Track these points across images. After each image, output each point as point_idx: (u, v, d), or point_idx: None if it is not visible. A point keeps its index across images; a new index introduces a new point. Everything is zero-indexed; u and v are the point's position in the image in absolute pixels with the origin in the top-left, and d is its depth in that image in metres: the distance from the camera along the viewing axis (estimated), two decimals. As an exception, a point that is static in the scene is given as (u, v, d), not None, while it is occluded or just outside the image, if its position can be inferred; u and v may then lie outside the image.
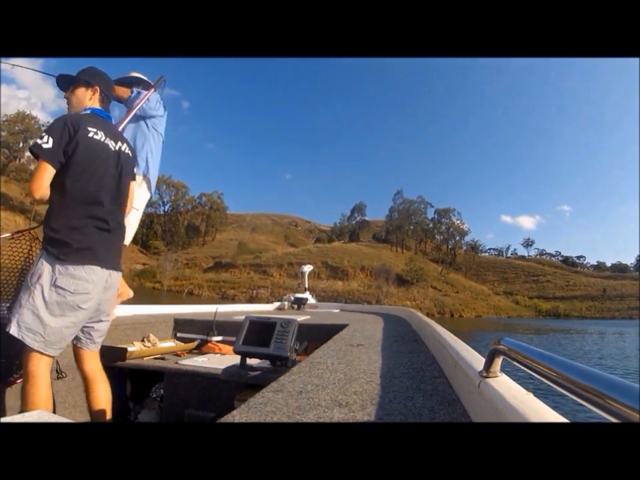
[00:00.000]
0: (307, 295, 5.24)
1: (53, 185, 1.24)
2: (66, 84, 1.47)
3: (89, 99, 1.45)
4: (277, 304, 5.06)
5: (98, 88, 1.47)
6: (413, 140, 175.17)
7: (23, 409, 1.13)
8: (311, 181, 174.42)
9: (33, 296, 1.16)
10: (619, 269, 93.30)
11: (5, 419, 0.84)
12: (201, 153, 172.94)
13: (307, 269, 6.34)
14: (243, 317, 1.47)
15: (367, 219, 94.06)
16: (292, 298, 4.87)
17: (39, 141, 1.21)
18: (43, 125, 48.38)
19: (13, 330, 1.14)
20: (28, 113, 50.85)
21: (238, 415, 0.61)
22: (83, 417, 1.66)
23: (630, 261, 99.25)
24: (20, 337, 1.14)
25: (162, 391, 1.82)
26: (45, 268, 1.18)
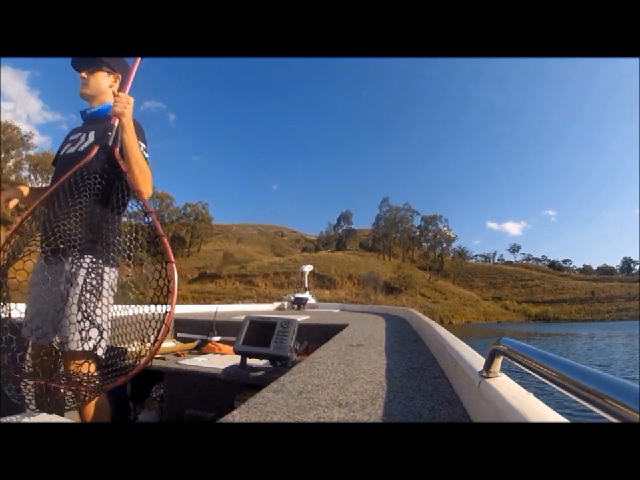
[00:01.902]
0: (307, 294, 5.24)
1: None
2: (83, 63, 1.28)
3: (109, 86, 1.30)
4: (277, 304, 5.06)
5: (120, 77, 1.32)
6: (398, 147, 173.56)
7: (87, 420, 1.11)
8: (298, 191, 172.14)
9: (104, 311, 1.11)
10: (605, 271, 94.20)
11: (5, 419, 0.84)
12: (187, 165, 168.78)
13: (307, 268, 6.34)
14: (242, 317, 1.47)
15: (353, 227, 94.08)
16: (292, 298, 4.87)
17: (141, 149, 1.21)
18: (26, 136, 46.72)
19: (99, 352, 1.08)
20: (10, 123, 49.14)
21: (238, 415, 0.61)
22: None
23: (615, 263, 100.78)
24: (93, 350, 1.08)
25: (162, 390, 1.82)
26: (108, 278, 1.14)
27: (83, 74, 1.28)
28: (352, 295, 53.62)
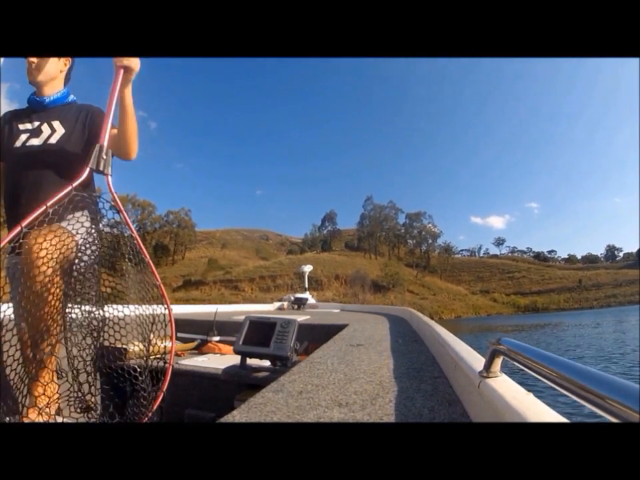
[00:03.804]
0: (307, 294, 5.24)
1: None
2: None
3: (60, 71, 1.26)
4: (277, 304, 5.06)
5: (70, 60, 1.28)
6: (381, 145, 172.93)
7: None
8: (282, 194, 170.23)
9: None
10: (590, 260, 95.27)
11: (4, 419, 0.84)
12: (169, 173, 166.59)
13: (307, 268, 6.35)
14: (242, 317, 1.47)
15: (338, 227, 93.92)
16: (292, 298, 4.88)
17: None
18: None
19: None
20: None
21: (238, 415, 0.61)
22: (83, 417, 1.66)
23: (599, 251, 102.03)
24: None
25: None
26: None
27: (32, 57, 1.20)
28: (340, 295, 52.89)
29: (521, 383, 0.52)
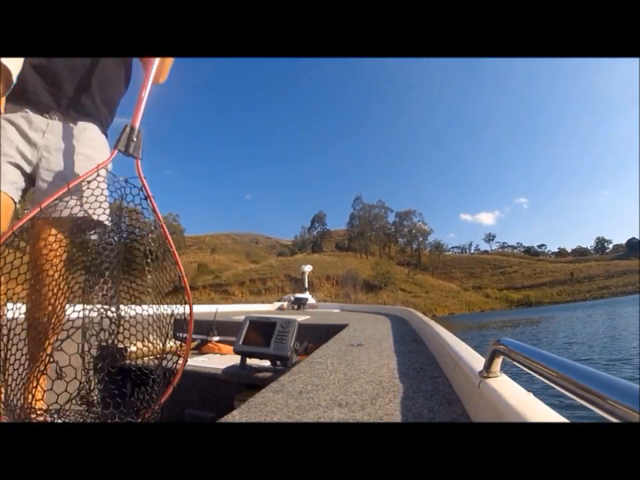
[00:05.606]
0: (306, 294, 5.24)
1: None
2: None
3: None
4: (277, 304, 5.06)
5: None
6: (368, 144, 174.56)
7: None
8: (271, 197, 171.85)
9: None
10: (580, 252, 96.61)
11: (4, 419, 0.84)
12: (158, 180, 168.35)
13: (307, 268, 6.34)
14: (242, 317, 1.47)
15: (328, 228, 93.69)
16: (292, 298, 4.88)
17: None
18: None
19: None
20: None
21: (238, 415, 0.61)
22: (84, 417, 1.66)
23: (589, 244, 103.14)
24: None
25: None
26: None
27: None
28: (331, 296, 52.47)
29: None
